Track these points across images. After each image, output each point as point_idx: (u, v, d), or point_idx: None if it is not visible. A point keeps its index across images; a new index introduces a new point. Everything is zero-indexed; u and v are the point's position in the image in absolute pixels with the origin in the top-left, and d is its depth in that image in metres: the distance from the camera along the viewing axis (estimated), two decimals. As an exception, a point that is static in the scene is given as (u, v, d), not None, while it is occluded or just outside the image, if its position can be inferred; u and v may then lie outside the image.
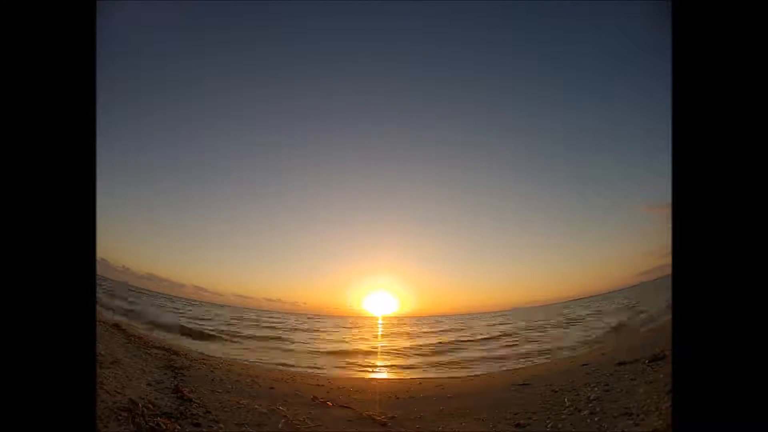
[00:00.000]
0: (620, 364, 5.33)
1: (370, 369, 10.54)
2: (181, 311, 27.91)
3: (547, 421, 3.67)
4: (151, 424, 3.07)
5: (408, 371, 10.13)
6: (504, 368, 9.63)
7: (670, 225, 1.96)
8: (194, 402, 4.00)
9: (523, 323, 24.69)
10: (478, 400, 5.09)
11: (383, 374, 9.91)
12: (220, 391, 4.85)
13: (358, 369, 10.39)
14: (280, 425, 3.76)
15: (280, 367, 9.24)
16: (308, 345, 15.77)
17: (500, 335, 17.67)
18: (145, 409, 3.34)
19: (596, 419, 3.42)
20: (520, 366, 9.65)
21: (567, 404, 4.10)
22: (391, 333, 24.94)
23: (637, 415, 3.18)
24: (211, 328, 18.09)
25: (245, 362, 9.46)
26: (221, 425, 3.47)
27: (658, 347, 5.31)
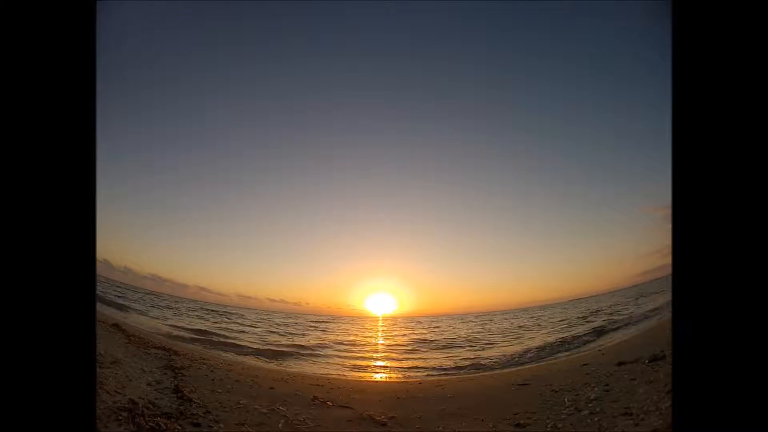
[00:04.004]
0: (620, 364, 5.33)
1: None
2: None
3: (547, 421, 3.67)
4: (151, 424, 3.07)
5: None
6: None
7: (670, 225, 1.96)
8: (194, 402, 4.00)
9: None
10: (478, 400, 5.09)
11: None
12: (220, 391, 4.84)
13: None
14: (280, 425, 3.75)
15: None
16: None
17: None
18: (145, 409, 3.34)
19: (596, 419, 3.42)
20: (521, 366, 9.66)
21: (567, 404, 4.10)
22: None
23: (637, 415, 3.17)
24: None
25: (245, 362, 9.47)
26: (221, 425, 3.47)
27: (658, 347, 5.31)
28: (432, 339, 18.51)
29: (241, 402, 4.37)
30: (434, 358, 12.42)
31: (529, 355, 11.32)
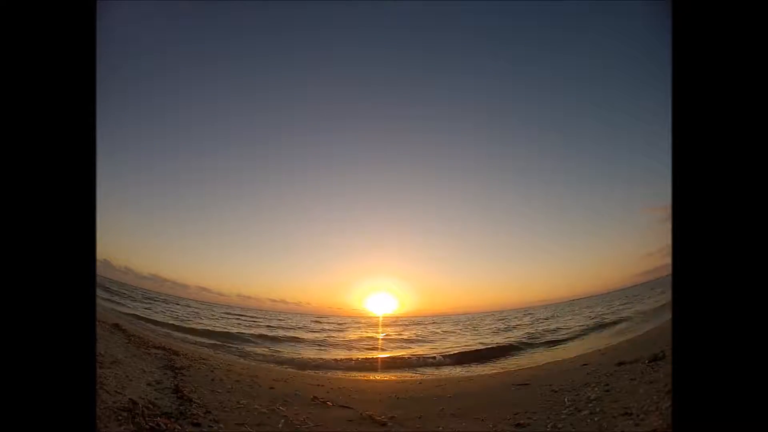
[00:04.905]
0: (620, 364, 5.34)
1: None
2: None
3: (547, 421, 3.67)
4: (151, 424, 3.07)
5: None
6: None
7: (670, 225, 1.96)
8: (194, 402, 4.00)
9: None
10: (478, 400, 5.09)
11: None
12: (220, 391, 4.84)
13: None
14: (280, 425, 3.75)
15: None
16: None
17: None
18: (145, 409, 3.34)
19: (596, 419, 3.41)
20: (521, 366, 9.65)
21: (567, 404, 4.10)
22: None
23: (637, 415, 3.18)
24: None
25: (245, 362, 9.47)
26: (221, 425, 3.47)
27: (658, 347, 5.31)
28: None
29: (241, 402, 4.37)
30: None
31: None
